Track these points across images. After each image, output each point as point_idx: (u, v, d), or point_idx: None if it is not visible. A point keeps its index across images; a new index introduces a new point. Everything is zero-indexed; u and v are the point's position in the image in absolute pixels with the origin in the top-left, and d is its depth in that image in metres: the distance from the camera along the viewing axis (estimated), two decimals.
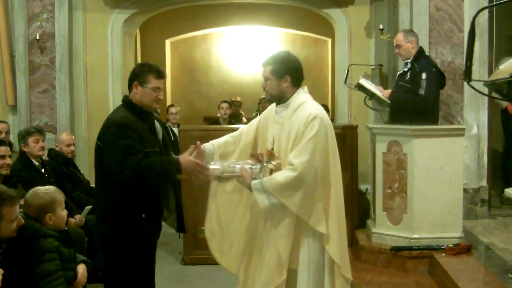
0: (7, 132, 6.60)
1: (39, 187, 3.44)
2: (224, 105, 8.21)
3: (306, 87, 3.34)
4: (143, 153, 3.24)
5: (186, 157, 3.31)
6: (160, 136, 3.56)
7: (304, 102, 3.24)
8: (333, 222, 3.19)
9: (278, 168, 3.18)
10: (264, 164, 3.22)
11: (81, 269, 3.46)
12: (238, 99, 9.33)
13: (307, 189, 3.09)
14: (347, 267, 3.26)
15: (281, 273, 3.18)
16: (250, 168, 3.21)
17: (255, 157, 3.27)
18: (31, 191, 3.39)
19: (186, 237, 5.68)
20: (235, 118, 8.67)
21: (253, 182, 3.14)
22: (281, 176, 3.09)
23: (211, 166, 3.28)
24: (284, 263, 3.18)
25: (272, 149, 3.27)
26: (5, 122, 6.77)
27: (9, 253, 3.09)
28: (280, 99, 3.29)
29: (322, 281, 3.22)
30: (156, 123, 3.56)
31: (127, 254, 3.32)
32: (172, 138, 7.52)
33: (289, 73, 3.24)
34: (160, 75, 3.39)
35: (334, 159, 3.21)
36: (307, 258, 3.20)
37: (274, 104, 3.40)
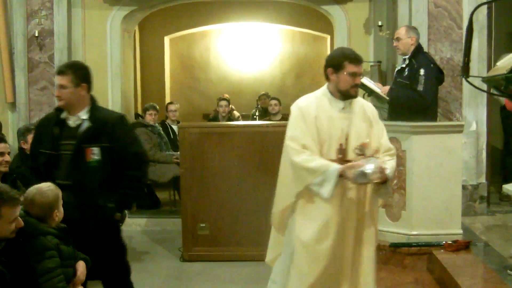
0: None
1: (39, 185, 3.43)
2: (223, 102, 8.24)
3: None
4: (37, 153, 3.63)
5: None
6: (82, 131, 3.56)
7: None
8: None
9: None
10: (375, 156, 3.23)
11: (81, 266, 3.45)
12: (226, 95, 9.37)
13: None
14: None
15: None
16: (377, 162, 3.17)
17: (360, 149, 3.22)
18: (34, 190, 3.35)
19: (186, 233, 5.68)
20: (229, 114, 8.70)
21: (388, 173, 3.21)
22: (393, 161, 3.33)
23: (370, 167, 3.08)
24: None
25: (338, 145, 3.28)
26: None
27: (8, 250, 3.09)
28: None
29: None
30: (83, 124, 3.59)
31: None
32: (172, 136, 7.63)
33: None
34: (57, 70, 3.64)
35: None
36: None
37: (316, 101, 3.51)
